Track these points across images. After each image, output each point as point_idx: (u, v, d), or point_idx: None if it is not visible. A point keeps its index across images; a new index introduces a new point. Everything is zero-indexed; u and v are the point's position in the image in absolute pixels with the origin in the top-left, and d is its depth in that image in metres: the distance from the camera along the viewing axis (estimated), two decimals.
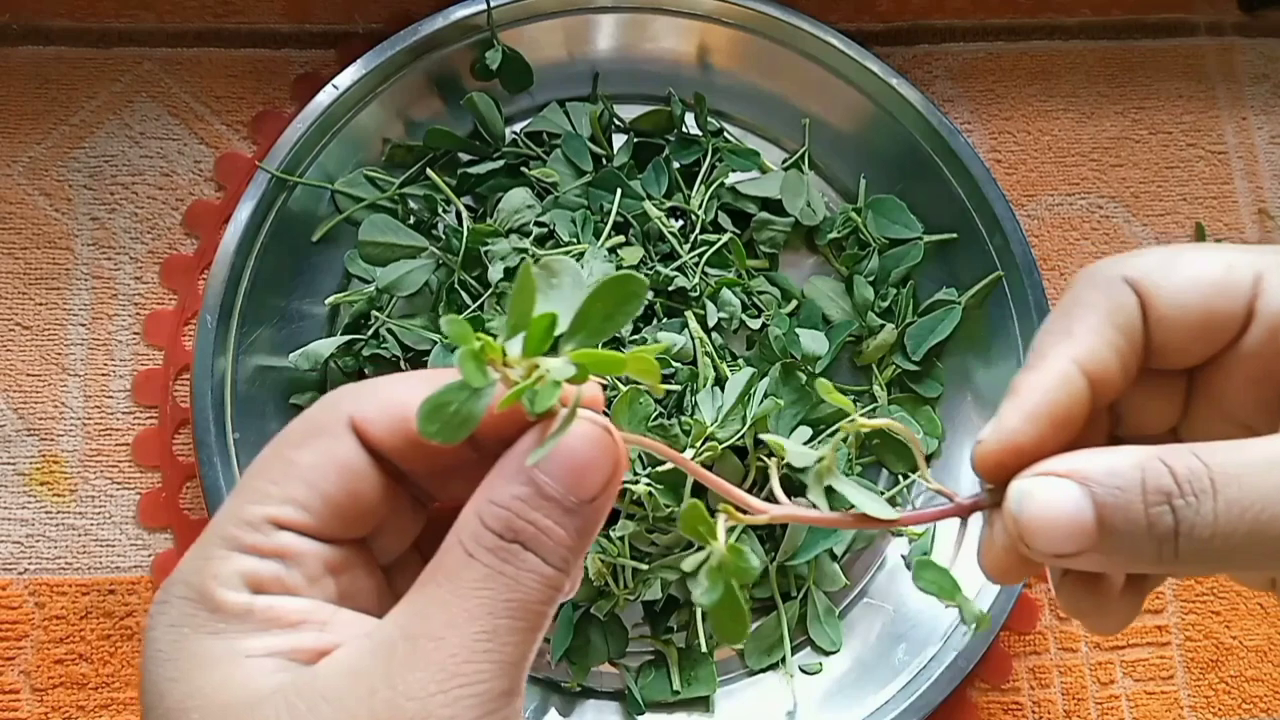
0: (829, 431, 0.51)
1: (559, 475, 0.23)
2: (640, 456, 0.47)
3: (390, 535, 0.26)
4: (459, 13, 0.54)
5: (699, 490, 0.48)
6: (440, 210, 0.55)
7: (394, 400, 0.25)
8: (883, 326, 0.54)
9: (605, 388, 0.48)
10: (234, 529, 0.23)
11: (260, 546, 0.23)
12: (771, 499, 0.25)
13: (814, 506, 0.26)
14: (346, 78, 0.53)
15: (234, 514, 0.23)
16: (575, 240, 0.53)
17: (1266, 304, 0.24)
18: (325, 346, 0.51)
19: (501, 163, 0.55)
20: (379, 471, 0.25)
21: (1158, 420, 0.28)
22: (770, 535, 0.50)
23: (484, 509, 0.23)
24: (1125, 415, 0.28)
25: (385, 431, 0.24)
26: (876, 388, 0.54)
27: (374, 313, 0.52)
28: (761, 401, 0.48)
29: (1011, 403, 0.25)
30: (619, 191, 0.54)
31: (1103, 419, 0.27)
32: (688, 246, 0.53)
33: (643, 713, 0.49)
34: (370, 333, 0.52)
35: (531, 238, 0.52)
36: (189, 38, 0.60)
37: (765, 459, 0.50)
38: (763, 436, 0.27)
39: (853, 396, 0.54)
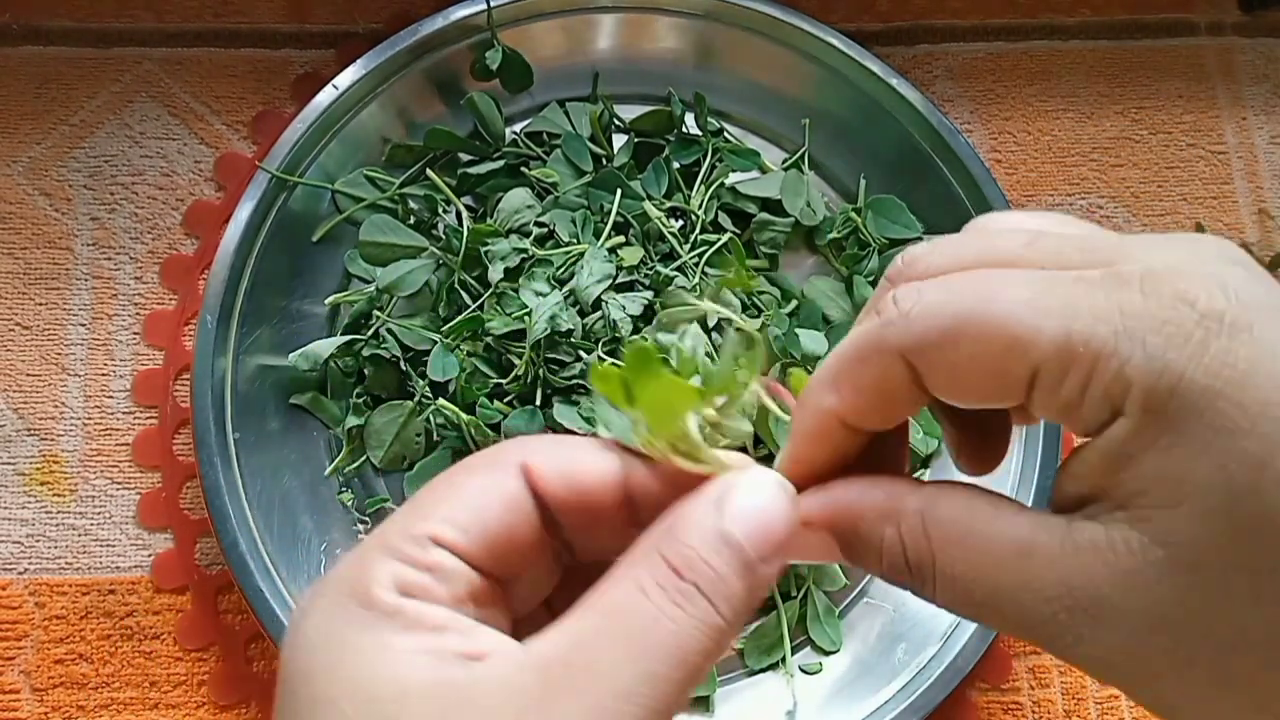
0: None
1: (744, 527, 0.23)
2: None
3: (530, 585, 0.26)
4: (459, 13, 0.54)
5: None
6: (440, 210, 0.55)
7: (566, 453, 0.25)
8: None
9: None
10: (395, 539, 0.24)
11: (415, 558, 0.23)
12: None
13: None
14: (346, 78, 0.53)
15: (397, 527, 0.24)
16: (575, 240, 0.53)
17: (1038, 397, 0.22)
18: (325, 346, 0.51)
19: (501, 163, 0.55)
20: (538, 514, 0.25)
21: None
22: None
23: (666, 544, 0.23)
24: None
25: (553, 478, 0.25)
26: None
27: (374, 313, 0.52)
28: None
29: (793, 447, 0.26)
30: (619, 192, 0.54)
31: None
32: (688, 246, 0.53)
33: None
34: (370, 333, 0.52)
35: (531, 238, 0.52)
36: (189, 37, 0.60)
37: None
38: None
39: None
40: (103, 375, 0.55)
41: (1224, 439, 0.20)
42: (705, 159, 0.56)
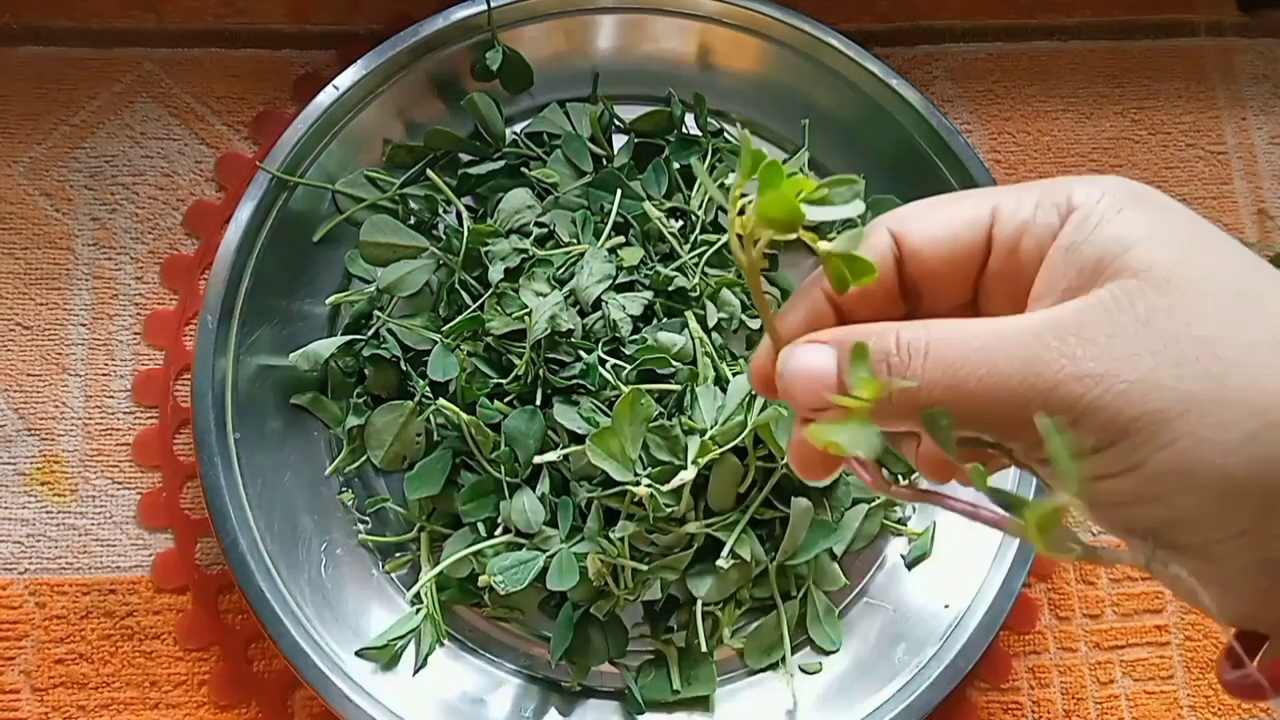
0: None
1: None
2: (640, 457, 0.47)
3: None
4: (459, 13, 0.54)
5: (698, 490, 0.49)
6: (441, 210, 0.55)
7: None
8: None
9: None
10: None
11: None
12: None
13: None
14: (347, 78, 0.53)
15: None
16: (575, 240, 0.53)
17: (999, 231, 0.28)
18: (325, 346, 0.51)
19: (502, 163, 0.55)
20: None
21: None
22: (770, 535, 0.50)
23: None
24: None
25: None
26: None
27: (374, 313, 0.52)
28: (764, 408, 0.48)
29: (781, 317, 0.30)
30: (619, 192, 0.54)
31: None
32: (688, 247, 0.53)
33: (643, 713, 0.49)
34: (370, 333, 0.52)
35: (531, 238, 0.53)
36: (190, 38, 0.60)
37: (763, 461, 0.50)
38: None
39: None
40: (103, 375, 0.55)
41: (1157, 209, 0.26)
42: (705, 159, 0.57)
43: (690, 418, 0.48)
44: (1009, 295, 0.28)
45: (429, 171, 0.55)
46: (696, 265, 0.53)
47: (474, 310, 0.51)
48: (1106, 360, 0.23)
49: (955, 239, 0.28)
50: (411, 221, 0.54)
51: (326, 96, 0.53)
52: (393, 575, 0.52)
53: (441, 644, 0.50)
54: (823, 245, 0.27)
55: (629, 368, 0.49)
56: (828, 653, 0.51)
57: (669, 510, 0.47)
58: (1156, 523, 0.25)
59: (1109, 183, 0.27)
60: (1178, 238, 0.25)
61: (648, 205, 0.54)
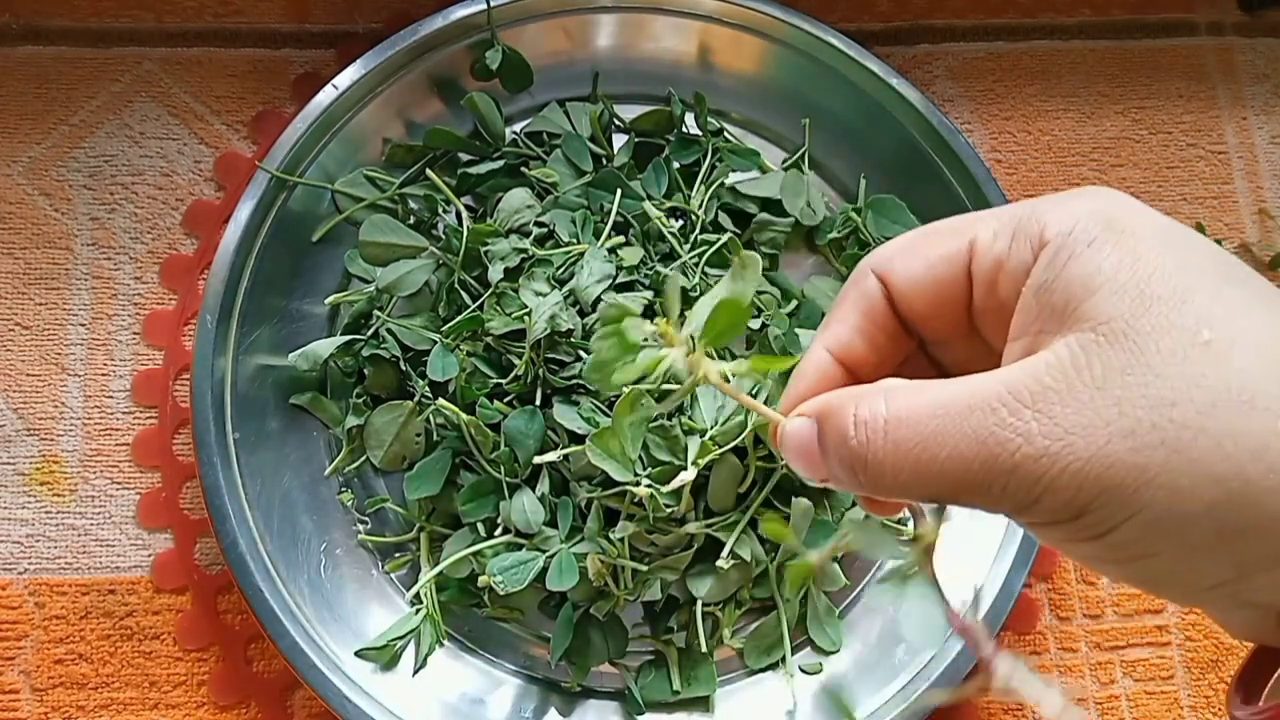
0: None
1: None
2: (640, 457, 0.47)
3: None
4: (459, 12, 0.54)
5: (698, 490, 0.49)
6: (440, 210, 0.55)
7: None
8: None
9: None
10: None
11: None
12: None
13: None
14: (346, 77, 0.53)
15: None
16: (575, 240, 0.53)
17: (977, 268, 0.27)
18: (325, 346, 0.51)
19: (501, 163, 0.55)
20: None
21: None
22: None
23: None
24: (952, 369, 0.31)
25: None
26: None
27: (374, 313, 0.52)
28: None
29: (789, 386, 0.30)
30: (619, 191, 0.54)
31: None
32: (688, 246, 0.53)
33: (643, 713, 0.49)
34: (370, 333, 0.52)
35: (531, 238, 0.52)
36: (189, 37, 0.60)
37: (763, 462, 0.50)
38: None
39: None
40: (103, 375, 0.55)
41: (1128, 239, 0.24)
42: (705, 159, 0.56)
43: (690, 418, 0.48)
44: (1000, 327, 0.27)
45: (428, 171, 0.55)
46: (696, 265, 0.53)
47: (474, 310, 0.51)
48: (1060, 435, 0.23)
49: (936, 280, 0.28)
50: (411, 221, 0.54)
51: (326, 96, 0.53)
52: (392, 575, 0.52)
53: (441, 644, 0.50)
54: (739, 366, 0.28)
55: None
56: (828, 653, 0.51)
57: (669, 510, 0.47)
58: (1134, 579, 0.25)
59: (1082, 208, 0.25)
60: (1143, 277, 0.24)
61: (648, 205, 0.54)
